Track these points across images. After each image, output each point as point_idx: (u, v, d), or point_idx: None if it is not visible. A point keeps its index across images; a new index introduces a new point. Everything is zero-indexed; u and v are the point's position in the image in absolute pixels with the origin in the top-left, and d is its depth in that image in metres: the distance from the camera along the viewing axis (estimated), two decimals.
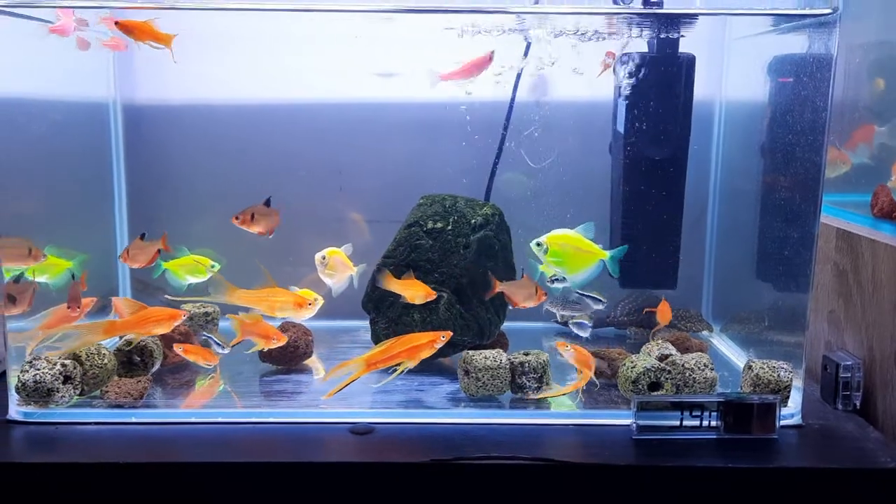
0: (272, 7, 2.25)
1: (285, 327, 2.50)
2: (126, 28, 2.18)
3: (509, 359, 2.25)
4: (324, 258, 2.44)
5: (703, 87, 2.56)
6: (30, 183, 2.44)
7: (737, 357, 2.62)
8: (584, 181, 2.69)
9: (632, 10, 2.21)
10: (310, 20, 2.48)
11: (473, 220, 2.49)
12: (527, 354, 2.26)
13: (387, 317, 2.49)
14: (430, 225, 2.48)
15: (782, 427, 2.07)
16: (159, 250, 2.49)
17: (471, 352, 2.26)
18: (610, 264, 2.33)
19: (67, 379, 2.15)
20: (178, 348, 2.35)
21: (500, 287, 2.37)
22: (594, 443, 2.04)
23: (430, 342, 2.14)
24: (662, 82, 2.50)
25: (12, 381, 2.14)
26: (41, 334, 2.26)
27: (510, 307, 2.52)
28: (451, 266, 2.44)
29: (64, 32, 2.27)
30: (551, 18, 2.34)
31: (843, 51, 2.14)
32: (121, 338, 2.37)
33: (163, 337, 2.39)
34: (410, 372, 2.15)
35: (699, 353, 2.31)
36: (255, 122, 2.86)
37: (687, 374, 2.22)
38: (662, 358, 2.29)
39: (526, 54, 2.55)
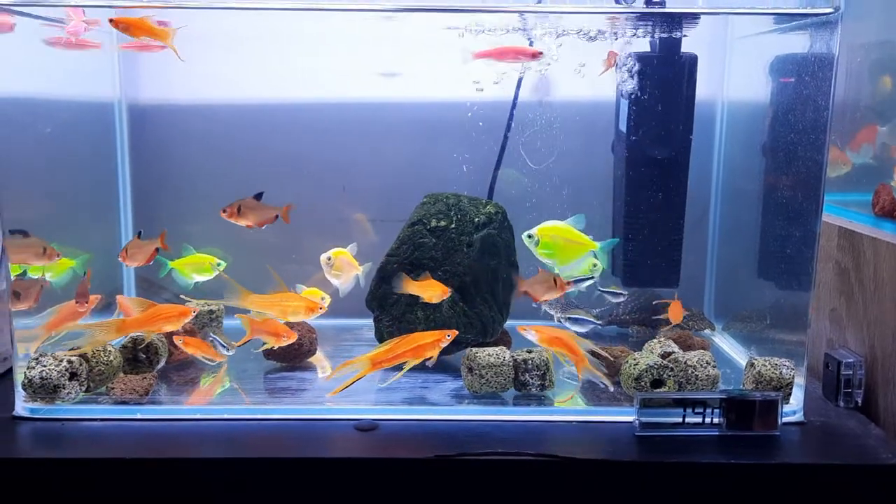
0: (276, 6, 2.27)
1: (289, 324, 2.51)
2: (122, 25, 2.16)
3: (512, 356, 2.26)
4: (329, 259, 2.46)
5: (705, 87, 2.57)
6: (35, 182, 2.45)
7: (739, 355, 2.63)
8: (586, 180, 2.70)
9: (634, 9, 2.23)
10: (314, 20, 2.50)
11: (477, 219, 2.50)
12: (530, 352, 2.27)
13: (390, 315, 2.50)
14: (433, 223, 2.49)
15: (784, 424, 2.07)
16: (157, 249, 2.51)
17: (474, 349, 2.28)
18: (600, 255, 2.34)
19: (73, 376, 2.17)
20: (177, 340, 2.36)
21: (524, 286, 2.36)
22: (597, 439, 2.05)
23: (435, 341, 2.15)
24: (665, 82, 2.51)
25: (19, 377, 2.16)
26: (44, 333, 2.28)
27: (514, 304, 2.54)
28: (455, 264, 2.45)
29: (75, 36, 2.28)
30: (554, 18, 2.35)
31: (844, 50, 2.14)
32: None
33: (167, 334, 2.40)
34: (414, 369, 2.16)
35: (702, 351, 2.32)
36: (260, 121, 2.87)
37: (689, 372, 2.23)
38: (665, 355, 2.30)
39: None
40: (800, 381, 2.20)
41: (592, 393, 2.32)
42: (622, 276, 2.61)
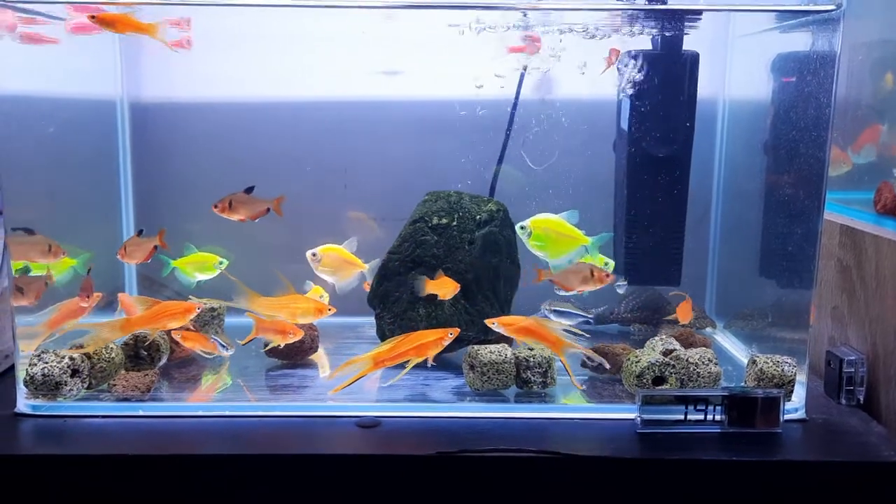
0: (278, 3, 2.27)
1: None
2: (105, 21, 2.14)
3: (514, 353, 2.26)
4: (315, 255, 2.44)
5: (706, 85, 2.57)
6: (37, 180, 2.46)
7: (740, 353, 2.63)
8: (587, 178, 2.70)
9: (636, 6, 2.23)
10: (316, 18, 2.51)
11: (478, 217, 2.50)
12: (531, 349, 2.27)
13: (392, 312, 2.50)
14: (435, 221, 2.49)
15: (786, 421, 2.07)
16: (156, 247, 2.51)
17: (476, 346, 2.28)
18: (591, 250, 2.34)
19: (75, 372, 2.17)
20: (176, 335, 2.36)
21: (548, 275, 2.35)
22: (599, 436, 2.05)
23: (437, 339, 2.15)
24: (666, 80, 2.51)
25: (21, 374, 2.16)
26: (45, 331, 2.28)
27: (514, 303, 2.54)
28: (456, 262, 2.45)
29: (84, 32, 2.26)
30: (555, 15, 2.35)
31: (845, 49, 2.14)
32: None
33: (168, 331, 2.40)
34: (416, 367, 2.16)
35: (703, 348, 2.32)
36: (262, 120, 2.87)
37: (691, 369, 2.23)
38: (667, 353, 2.30)
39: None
40: (802, 378, 2.20)
41: (594, 389, 2.33)
42: (624, 273, 2.61)
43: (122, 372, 2.29)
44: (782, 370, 2.19)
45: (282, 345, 2.35)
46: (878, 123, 2.45)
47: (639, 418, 2.05)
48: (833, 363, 2.27)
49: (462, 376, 2.31)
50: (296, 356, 2.51)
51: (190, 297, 2.55)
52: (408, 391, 2.29)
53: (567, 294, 2.43)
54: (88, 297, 2.30)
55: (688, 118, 2.54)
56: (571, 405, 2.23)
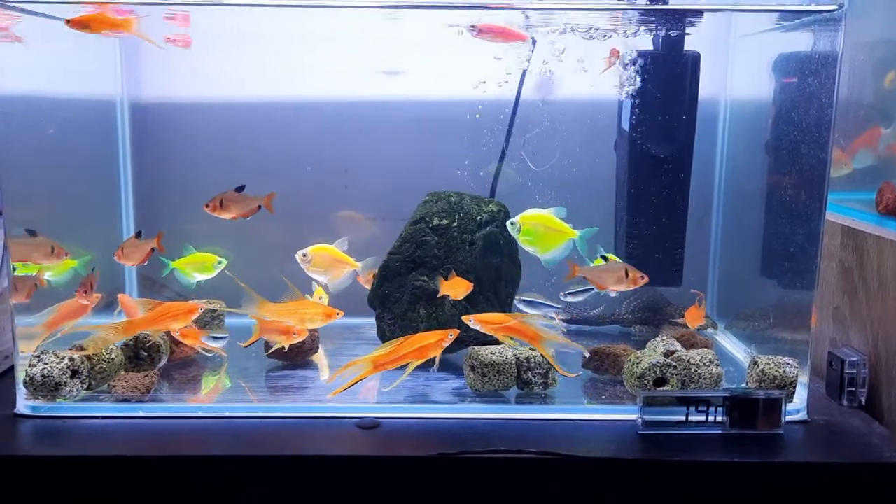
0: (279, 3, 2.26)
1: None
2: (81, 24, 2.12)
3: (515, 354, 2.25)
4: (305, 255, 2.44)
5: (707, 85, 2.56)
6: (37, 180, 2.45)
7: (742, 354, 2.62)
8: (589, 179, 2.69)
9: (637, 6, 2.22)
10: (316, 18, 2.50)
11: (479, 217, 2.50)
12: (532, 350, 2.26)
13: (392, 313, 2.49)
14: (435, 221, 2.48)
15: (788, 422, 2.07)
16: (153, 249, 2.50)
17: (477, 347, 2.27)
18: (579, 244, 2.35)
19: (75, 373, 2.16)
20: (174, 332, 2.35)
21: (581, 271, 2.36)
22: (600, 438, 2.04)
23: (438, 341, 2.14)
24: (667, 80, 2.51)
25: (20, 375, 2.15)
26: (44, 332, 2.28)
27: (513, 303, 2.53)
28: (457, 262, 2.45)
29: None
30: (556, 16, 2.34)
31: (847, 48, 2.14)
32: None
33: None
34: (416, 368, 2.15)
35: (705, 349, 2.31)
36: (262, 119, 2.87)
37: (692, 370, 2.22)
38: (668, 354, 2.29)
39: (531, 52, 2.55)
40: (803, 379, 2.19)
41: (595, 390, 2.32)
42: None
43: (122, 373, 2.28)
44: (784, 371, 2.18)
45: (286, 347, 2.34)
46: (878, 126, 2.45)
47: (640, 419, 2.04)
48: (835, 364, 2.26)
49: (463, 377, 2.30)
50: (296, 357, 2.50)
51: (203, 302, 2.54)
52: (408, 392, 2.29)
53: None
54: (87, 292, 2.29)
55: (689, 118, 2.53)
56: (572, 406, 2.22)
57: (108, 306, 2.53)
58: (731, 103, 2.81)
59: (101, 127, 2.85)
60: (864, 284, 2.28)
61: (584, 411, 2.19)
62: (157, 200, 2.93)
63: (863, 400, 2.22)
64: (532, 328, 2.18)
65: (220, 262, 2.58)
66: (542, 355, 2.23)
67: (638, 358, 2.24)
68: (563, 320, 2.79)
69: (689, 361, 2.24)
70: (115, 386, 2.21)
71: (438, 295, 2.37)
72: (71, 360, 2.16)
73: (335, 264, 2.45)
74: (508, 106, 2.67)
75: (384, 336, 2.50)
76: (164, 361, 2.41)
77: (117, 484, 1.92)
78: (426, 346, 2.13)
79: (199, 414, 2.14)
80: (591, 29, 2.42)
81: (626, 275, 2.34)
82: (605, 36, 2.46)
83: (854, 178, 2.51)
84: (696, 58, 2.50)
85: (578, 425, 2.12)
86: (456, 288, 2.36)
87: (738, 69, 2.74)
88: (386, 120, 2.84)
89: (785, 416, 2.05)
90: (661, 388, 2.18)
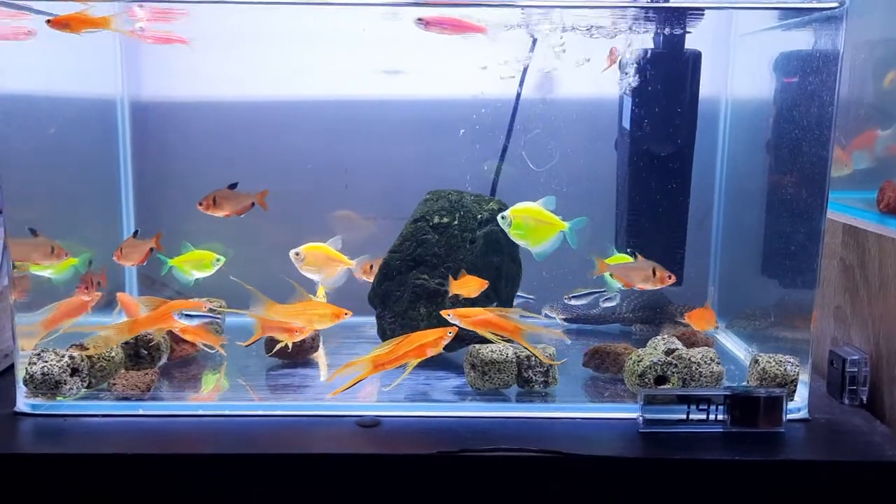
0: (278, 2, 2.26)
1: None
2: (61, 24, 2.12)
3: (515, 353, 2.25)
4: (298, 254, 2.44)
5: (708, 84, 2.56)
6: (37, 180, 2.45)
7: (743, 353, 2.62)
8: (589, 178, 2.69)
9: (638, 4, 2.22)
10: (316, 17, 2.50)
11: (479, 216, 2.49)
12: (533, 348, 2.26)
13: (393, 311, 2.49)
14: (436, 220, 2.48)
15: (789, 421, 2.07)
16: (152, 248, 2.50)
17: (477, 346, 2.27)
18: (569, 235, 2.35)
19: (75, 371, 2.16)
20: (176, 329, 2.35)
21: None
22: (601, 436, 2.04)
23: (437, 339, 2.14)
24: (668, 78, 2.50)
25: (20, 373, 2.15)
26: (43, 330, 2.27)
27: (513, 303, 2.52)
28: (458, 261, 2.44)
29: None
30: (556, 14, 2.34)
31: (848, 47, 2.14)
32: None
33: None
34: (416, 366, 2.15)
35: (705, 348, 2.31)
36: (262, 119, 2.87)
37: (693, 369, 2.22)
38: (669, 352, 2.29)
39: (532, 51, 2.55)
40: (804, 378, 2.19)
41: (595, 389, 2.32)
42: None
43: (122, 371, 2.28)
44: (785, 370, 2.18)
45: (290, 345, 2.33)
46: (877, 127, 2.44)
47: (641, 418, 2.04)
48: (836, 363, 2.26)
49: (463, 375, 2.30)
50: (296, 355, 2.50)
51: (211, 307, 2.54)
52: (408, 390, 2.28)
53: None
54: (87, 289, 2.29)
55: (690, 117, 2.53)
56: (573, 405, 2.22)
57: (107, 305, 2.53)
58: (731, 102, 2.80)
59: (102, 126, 2.85)
60: (866, 283, 2.27)
61: (584, 410, 2.18)
62: (157, 200, 2.93)
63: (864, 398, 2.22)
64: (511, 322, 2.18)
65: (218, 260, 2.57)
66: (546, 354, 2.23)
67: (639, 356, 2.24)
68: (564, 319, 2.80)
69: (690, 360, 2.23)
70: (115, 384, 2.21)
71: (449, 294, 2.36)
72: (71, 358, 2.15)
73: (328, 262, 2.45)
74: (509, 106, 2.67)
75: (384, 334, 2.50)
76: (164, 360, 2.41)
77: (117, 482, 1.91)
78: (425, 345, 2.12)
79: (200, 412, 2.14)
80: (592, 28, 2.42)
81: (654, 273, 2.34)
82: (609, 35, 2.46)
83: (855, 178, 2.50)
84: (696, 56, 2.50)
85: (579, 424, 2.11)
86: (468, 286, 2.35)
87: (738, 68, 2.74)
88: (386, 119, 2.84)
89: (786, 414, 2.05)
90: (662, 387, 2.18)
